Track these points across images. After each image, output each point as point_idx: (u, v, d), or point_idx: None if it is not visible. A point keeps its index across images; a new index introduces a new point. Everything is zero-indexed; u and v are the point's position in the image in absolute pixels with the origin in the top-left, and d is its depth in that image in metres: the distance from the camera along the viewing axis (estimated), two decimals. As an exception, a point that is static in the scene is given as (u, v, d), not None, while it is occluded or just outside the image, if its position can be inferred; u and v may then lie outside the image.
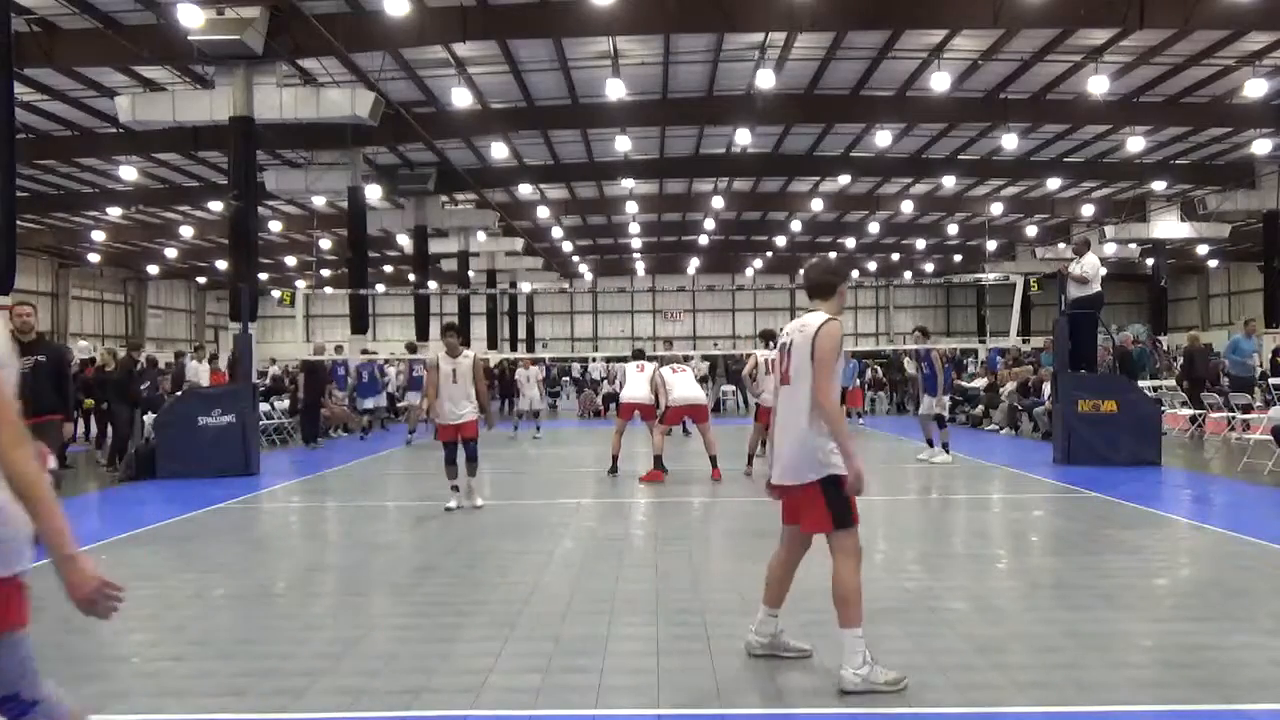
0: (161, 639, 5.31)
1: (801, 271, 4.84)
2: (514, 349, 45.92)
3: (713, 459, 11.79)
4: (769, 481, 4.64)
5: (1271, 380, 16.69)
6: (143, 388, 14.53)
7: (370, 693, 4.34)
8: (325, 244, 40.76)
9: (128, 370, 14.20)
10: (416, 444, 17.38)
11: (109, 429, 14.57)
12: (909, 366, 21.09)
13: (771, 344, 12.88)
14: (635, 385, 12.42)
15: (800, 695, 4.23)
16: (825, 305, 4.60)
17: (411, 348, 22.22)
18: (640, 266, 55.20)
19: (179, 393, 15.10)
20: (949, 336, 55.39)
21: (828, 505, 4.34)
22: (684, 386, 11.93)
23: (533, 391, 19.69)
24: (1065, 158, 30.70)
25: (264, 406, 16.74)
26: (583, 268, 54.19)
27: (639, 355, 12.99)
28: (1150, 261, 38.68)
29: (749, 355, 13.85)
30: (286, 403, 19.27)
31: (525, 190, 35.73)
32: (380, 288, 46.65)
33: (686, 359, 13.05)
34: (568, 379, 30.22)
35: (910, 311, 60.38)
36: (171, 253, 44.64)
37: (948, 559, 7.21)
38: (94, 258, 43.84)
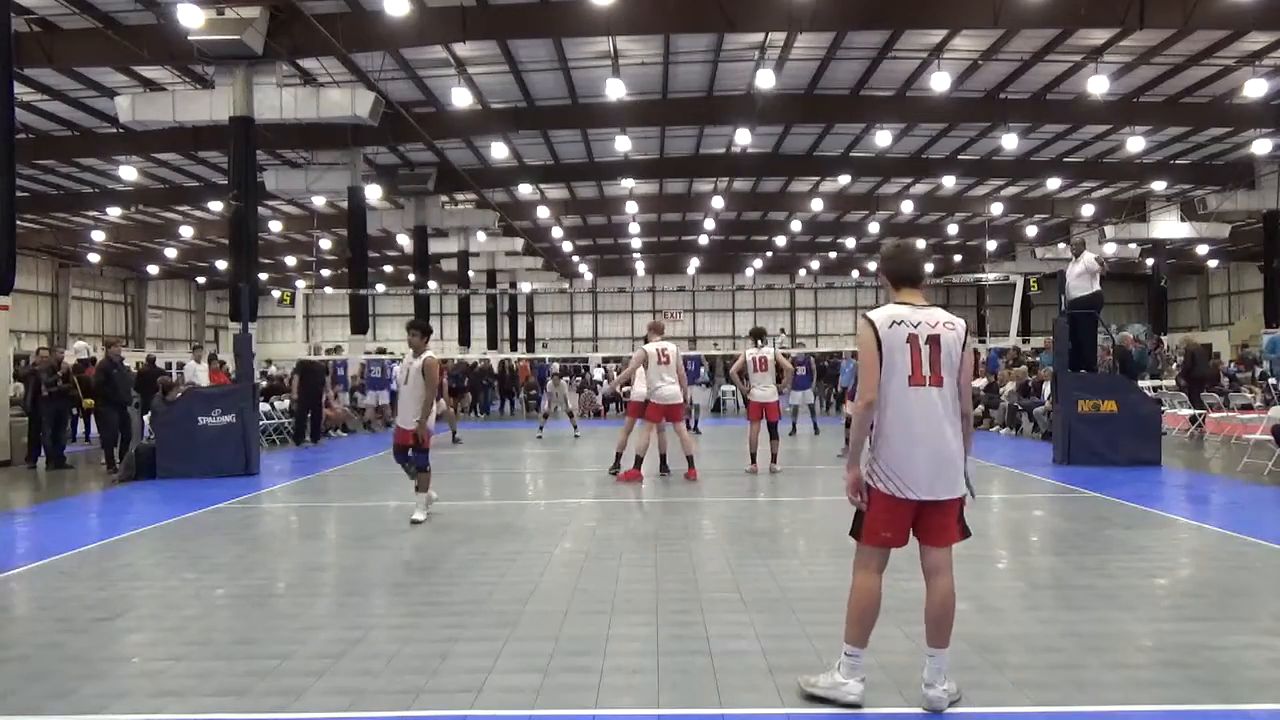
0: (161, 639, 5.30)
1: (887, 255, 4.27)
2: (514, 349, 45.95)
3: (689, 459, 11.74)
4: (901, 498, 4.00)
5: (1271, 380, 16.65)
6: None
7: (370, 693, 4.34)
8: (325, 244, 40.79)
9: (105, 371, 14.15)
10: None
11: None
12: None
13: (760, 342, 12.87)
14: (639, 383, 12.40)
15: (800, 695, 4.22)
16: (920, 294, 4.18)
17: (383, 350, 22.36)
18: (640, 266, 55.23)
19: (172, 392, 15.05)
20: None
21: (960, 516, 4.13)
22: (667, 383, 11.73)
23: (561, 403, 19.81)
24: (1065, 158, 30.72)
25: (264, 406, 16.74)
26: (583, 268, 54.21)
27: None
28: (1150, 261, 38.70)
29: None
30: (286, 403, 19.25)
31: (525, 190, 35.75)
32: (380, 288, 46.72)
33: (684, 351, 12.56)
34: (579, 379, 30.26)
35: (910, 311, 60.31)
36: (171, 253, 44.68)
37: (948, 559, 7.19)
38: (94, 258, 43.87)
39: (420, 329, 8.96)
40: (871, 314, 4.12)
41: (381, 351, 22.02)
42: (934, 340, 4.03)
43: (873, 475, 4.06)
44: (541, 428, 19.58)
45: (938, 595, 4.07)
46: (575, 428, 19.54)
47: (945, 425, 4.02)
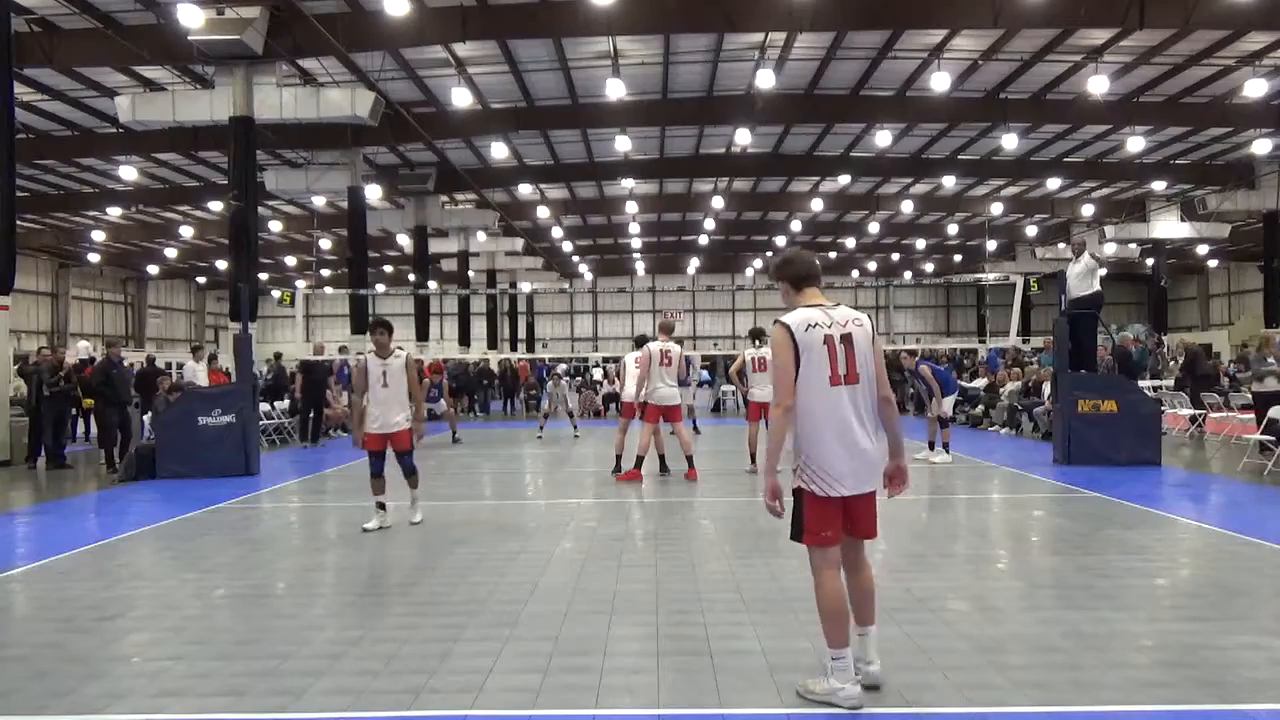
0: (161, 639, 5.31)
1: (788, 259, 4.40)
2: (514, 349, 45.95)
3: (689, 459, 11.77)
4: (834, 497, 4.11)
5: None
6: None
7: (370, 693, 4.34)
8: (325, 244, 40.79)
9: (104, 371, 14.18)
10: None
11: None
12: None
13: (759, 342, 12.83)
14: (631, 383, 12.40)
15: (800, 699, 4.22)
16: (822, 293, 4.34)
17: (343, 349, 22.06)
18: (640, 266, 55.22)
19: (176, 394, 15.06)
20: (949, 336, 55.43)
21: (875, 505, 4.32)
22: (666, 384, 11.73)
23: (561, 402, 19.80)
24: (1065, 158, 30.72)
25: (264, 406, 16.74)
26: (583, 268, 54.21)
27: (641, 343, 12.62)
28: (1150, 261, 38.71)
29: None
30: (286, 403, 19.24)
31: (525, 190, 35.75)
32: (380, 288, 46.71)
33: (682, 345, 12.52)
34: (579, 378, 30.27)
35: (910, 311, 60.38)
36: (171, 253, 44.67)
37: (948, 559, 7.20)
38: (94, 258, 43.86)
39: (388, 327, 8.67)
40: (786, 318, 4.19)
41: (342, 350, 21.80)
42: (847, 339, 4.13)
43: (804, 478, 4.14)
44: (542, 428, 19.57)
45: (861, 575, 4.27)
46: (575, 428, 19.55)
47: (864, 421, 4.14)
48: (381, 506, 8.66)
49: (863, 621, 4.26)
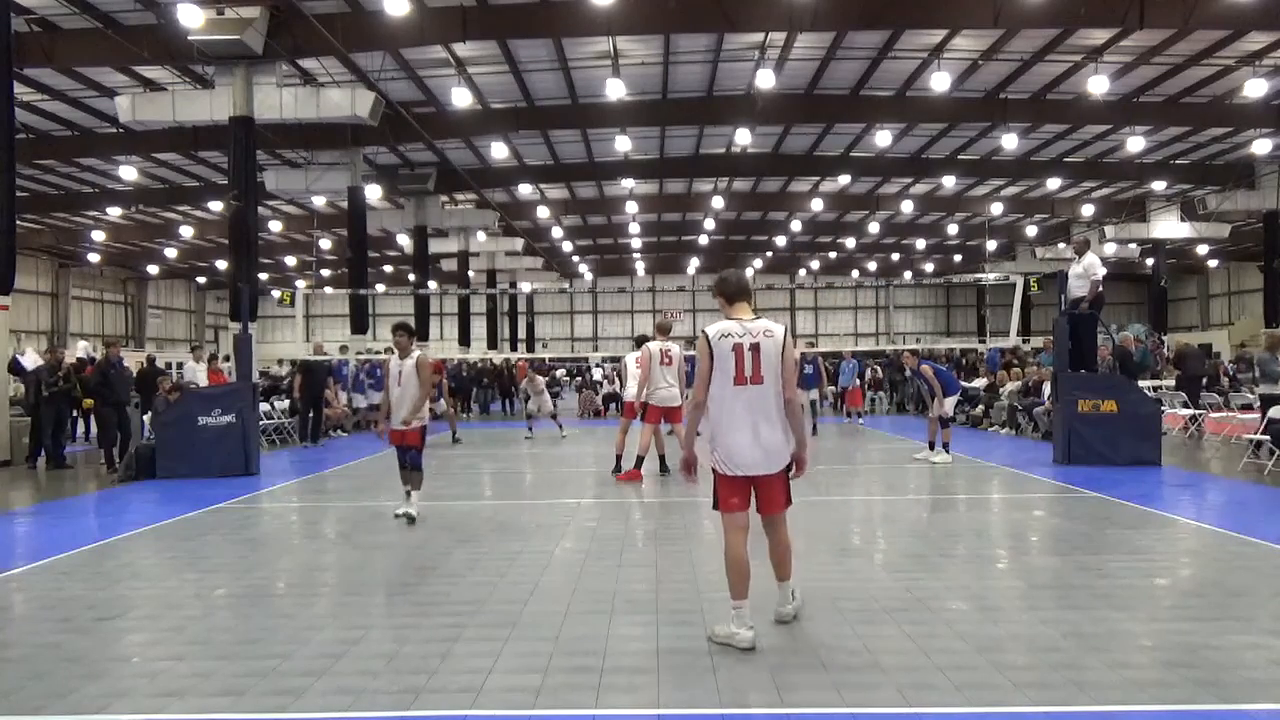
0: (161, 639, 5.31)
1: (724, 278, 5.19)
2: (514, 349, 45.96)
3: None
4: (733, 475, 4.92)
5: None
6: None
7: (370, 693, 4.34)
8: (325, 244, 40.78)
9: (102, 371, 14.20)
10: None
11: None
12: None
13: None
14: (631, 383, 12.39)
15: (800, 695, 4.23)
16: (748, 307, 5.09)
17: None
18: (640, 266, 55.23)
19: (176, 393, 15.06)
20: (949, 336, 55.44)
21: (787, 486, 5.09)
22: (667, 385, 11.74)
23: (536, 408, 19.62)
24: (1065, 158, 30.72)
25: (264, 406, 16.73)
26: (583, 268, 54.21)
27: (641, 342, 12.49)
28: (1150, 261, 38.71)
29: None
30: (286, 403, 19.23)
31: (525, 190, 35.75)
32: (380, 288, 46.73)
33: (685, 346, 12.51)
34: (579, 379, 30.18)
35: (910, 311, 60.39)
36: (171, 253, 44.67)
37: (948, 559, 7.20)
38: (94, 258, 43.87)
39: (407, 329, 9.09)
40: (707, 329, 5.03)
41: (343, 350, 21.84)
42: (755, 348, 4.90)
43: (715, 460, 4.99)
44: (530, 428, 19.56)
45: (776, 544, 5.16)
46: (560, 427, 19.48)
47: (766, 415, 4.91)
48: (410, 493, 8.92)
49: (780, 577, 5.20)
